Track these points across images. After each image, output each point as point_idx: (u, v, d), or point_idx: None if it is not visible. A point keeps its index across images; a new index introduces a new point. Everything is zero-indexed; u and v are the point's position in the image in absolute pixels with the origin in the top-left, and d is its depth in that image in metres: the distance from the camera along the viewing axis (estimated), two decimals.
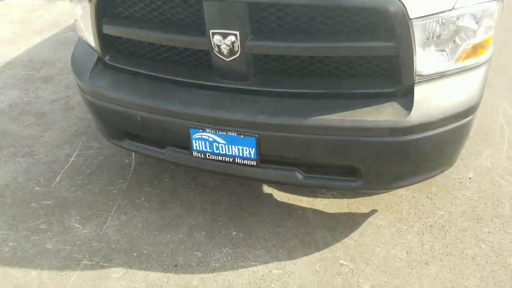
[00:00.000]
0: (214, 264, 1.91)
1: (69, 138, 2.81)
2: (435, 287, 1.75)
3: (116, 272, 1.90)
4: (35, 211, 2.25)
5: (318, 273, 1.84)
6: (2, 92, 3.42)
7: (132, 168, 2.51)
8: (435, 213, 2.09)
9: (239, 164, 1.78)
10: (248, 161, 1.76)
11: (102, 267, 1.93)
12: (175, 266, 1.92)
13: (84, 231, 2.12)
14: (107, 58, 1.95)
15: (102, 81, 1.94)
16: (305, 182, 1.79)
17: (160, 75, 1.83)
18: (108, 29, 1.85)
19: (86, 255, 1.99)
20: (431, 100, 1.57)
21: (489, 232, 1.98)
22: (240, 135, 1.69)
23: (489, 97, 2.94)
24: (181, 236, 2.06)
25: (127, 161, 2.57)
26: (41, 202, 2.31)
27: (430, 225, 2.03)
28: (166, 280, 1.86)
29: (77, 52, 2.15)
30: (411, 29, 1.44)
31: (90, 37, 1.94)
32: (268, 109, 1.65)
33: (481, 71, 1.67)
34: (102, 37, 1.88)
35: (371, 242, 1.97)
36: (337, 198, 2.21)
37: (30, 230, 2.14)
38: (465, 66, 1.62)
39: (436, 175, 1.85)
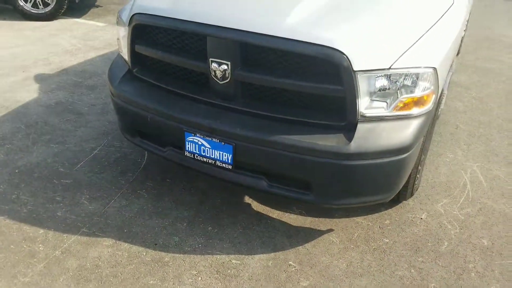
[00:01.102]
0: (186, 248, 2.32)
1: (97, 135, 3.34)
2: None
3: (106, 241, 2.34)
4: (55, 186, 2.74)
5: (268, 268, 2.21)
6: (53, 92, 4.04)
7: (142, 166, 2.99)
8: (382, 240, 2.44)
9: (219, 167, 2.23)
10: (226, 165, 2.20)
11: (96, 235, 2.37)
12: (155, 244, 2.34)
13: (89, 207, 2.59)
14: (135, 70, 2.49)
15: (127, 87, 2.46)
16: (269, 190, 2.20)
17: (170, 88, 2.33)
18: (138, 48, 2.39)
19: (86, 225, 2.45)
20: (369, 136, 1.98)
21: (422, 261, 2.30)
22: (222, 142, 2.14)
23: (462, 158, 3.28)
24: (166, 223, 2.49)
25: (139, 160, 3.05)
26: (62, 180, 2.81)
27: (374, 248, 2.37)
28: (144, 254, 2.28)
29: (114, 64, 2.70)
30: (354, 79, 1.88)
31: (125, 53, 2.50)
32: (245, 124, 2.10)
33: (417, 121, 2.06)
34: (133, 54, 2.43)
35: (319, 253, 2.33)
36: (303, 215, 2.59)
37: (47, 199, 2.62)
38: (402, 115, 2.02)
39: (379, 201, 2.22)
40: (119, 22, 2.52)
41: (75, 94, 4.00)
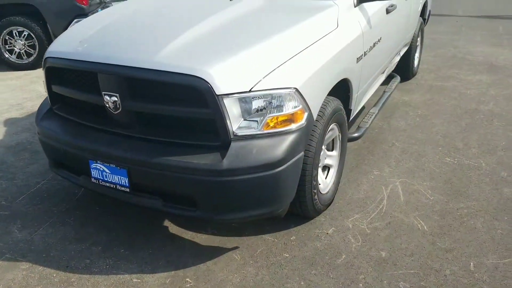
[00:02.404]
0: (94, 269, 2.49)
1: (45, 171, 3.58)
2: None
3: (24, 265, 2.53)
4: None
5: (165, 285, 2.37)
6: (18, 134, 4.34)
7: (77, 197, 3.20)
8: (282, 255, 2.57)
9: (120, 190, 2.43)
10: (124, 188, 2.41)
11: (16, 260, 2.57)
12: (66, 266, 2.52)
13: (18, 235, 2.80)
14: (54, 107, 2.74)
15: (47, 123, 2.71)
16: (164, 209, 2.38)
17: (80, 121, 2.57)
18: (54, 88, 2.66)
19: (10, 251, 2.65)
20: (241, 153, 2.16)
21: (314, 274, 2.42)
22: (118, 167, 2.35)
23: (387, 174, 3.41)
24: (83, 247, 2.67)
25: (76, 191, 3.27)
26: (0, 213, 3.03)
27: (272, 263, 2.50)
28: (54, 275, 2.46)
29: (43, 103, 2.96)
30: (219, 102, 2.09)
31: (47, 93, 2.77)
32: (137, 149, 2.31)
33: (289, 137, 2.23)
34: (50, 93, 2.69)
35: (218, 269, 2.47)
36: (214, 235, 2.75)
37: None
38: (272, 132, 2.21)
39: (268, 214, 2.38)
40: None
41: (36, 136, 4.28)
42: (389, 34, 3.74)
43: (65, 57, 2.46)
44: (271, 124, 2.20)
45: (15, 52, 6.58)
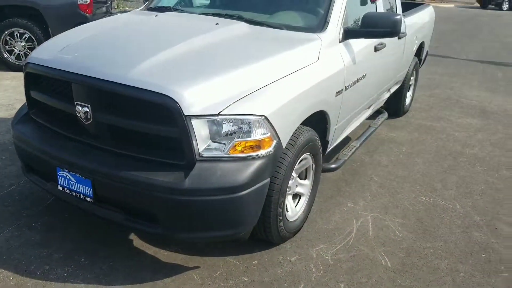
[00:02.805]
0: (52, 276, 2.49)
1: (21, 174, 3.58)
2: None
3: None
4: None
5: None
6: (2, 134, 4.38)
7: (48, 202, 3.21)
8: (241, 278, 2.56)
9: (83, 200, 2.45)
10: (88, 198, 2.42)
11: None
12: (25, 271, 2.52)
13: None
14: (31, 112, 2.79)
15: (22, 127, 2.75)
16: (125, 223, 2.39)
17: (54, 128, 2.61)
18: (33, 93, 2.71)
19: None
20: (204, 175, 2.18)
21: None
22: (83, 176, 2.38)
23: (360, 208, 3.42)
24: (44, 253, 2.67)
25: (48, 197, 3.28)
26: None
27: (230, 286, 2.50)
28: (11, 278, 2.45)
29: (22, 107, 3.00)
30: (186, 122, 2.12)
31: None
32: (103, 161, 2.34)
33: (255, 163, 2.26)
34: (28, 98, 2.74)
35: (175, 287, 2.46)
36: (178, 252, 2.75)
37: None
38: (238, 157, 2.24)
39: (230, 237, 2.41)
40: None
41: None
42: (376, 71, 3.80)
43: (43, 64, 2.52)
44: (238, 149, 2.23)
45: (15, 53, 6.69)
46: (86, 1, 6.44)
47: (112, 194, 2.36)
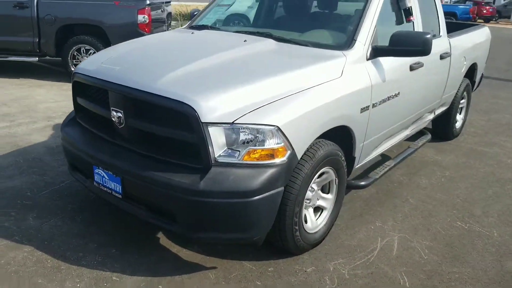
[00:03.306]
0: (83, 262, 2.74)
1: None
2: None
3: (26, 248, 2.85)
4: (16, 205, 3.35)
5: (138, 287, 2.56)
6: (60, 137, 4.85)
7: (91, 199, 3.53)
8: (254, 282, 2.66)
9: (114, 196, 2.69)
10: (118, 195, 2.67)
11: (22, 243, 2.90)
12: (61, 256, 2.80)
13: (31, 222, 3.14)
14: (77, 116, 3.12)
15: (69, 129, 3.09)
16: (148, 219, 2.60)
17: (94, 131, 2.91)
18: (78, 100, 3.04)
19: (20, 234, 2.99)
20: (218, 178, 2.33)
21: None
22: (114, 174, 2.63)
23: (389, 228, 3.38)
24: (81, 242, 2.95)
25: (91, 195, 3.59)
26: (23, 201, 3.42)
27: (243, 286, 2.61)
28: (48, 261, 2.74)
29: (70, 113, 3.35)
30: (203, 128, 2.30)
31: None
32: (132, 161, 2.57)
33: (268, 171, 2.38)
34: (75, 103, 3.08)
35: (190, 283, 2.61)
36: (199, 253, 2.91)
37: (3, 213, 3.23)
38: (252, 164, 2.37)
39: (243, 240, 2.54)
40: None
41: None
42: (412, 91, 3.78)
43: (87, 74, 2.84)
44: (252, 156, 2.37)
45: None
46: (145, 21, 6.97)
47: (138, 192, 2.58)
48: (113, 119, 2.65)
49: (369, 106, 3.09)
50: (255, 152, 2.37)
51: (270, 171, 2.39)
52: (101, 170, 2.69)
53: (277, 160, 2.41)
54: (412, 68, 3.63)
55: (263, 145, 2.37)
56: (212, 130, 2.31)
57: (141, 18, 7.01)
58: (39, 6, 7.01)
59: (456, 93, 5.16)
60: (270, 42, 3.12)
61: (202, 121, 2.29)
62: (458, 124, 5.64)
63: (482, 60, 5.85)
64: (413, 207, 3.75)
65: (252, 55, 2.89)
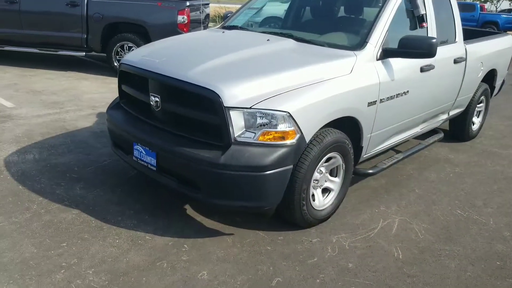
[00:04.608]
0: (122, 224, 3.24)
1: (113, 154, 4.51)
2: None
3: (75, 211, 3.37)
4: (66, 177, 3.91)
5: (167, 245, 3.02)
6: (104, 124, 5.35)
7: (129, 176, 4.05)
8: (265, 246, 3.08)
9: (150, 169, 3.18)
10: (153, 167, 3.15)
11: (71, 207, 3.43)
12: (103, 218, 3.31)
13: (79, 191, 3.68)
14: (121, 101, 3.64)
15: (113, 112, 3.61)
16: (177, 189, 3.07)
17: (134, 113, 3.42)
18: (123, 87, 3.56)
19: (69, 200, 3.53)
20: (236, 155, 2.77)
21: (285, 265, 2.89)
22: (150, 150, 3.12)
23: (391, 211, 3.73)
24: (120, 209, 3.45)
25: (131, 172, 4.12)
26: (72, 175, 3.97)
27: (254, 250, 3.03)
28: (93, 221, 3.25)
29: (115, 99, 3.89)
30: (225, 112, 2.75)
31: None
32: (165, 139, 3.05)
33: (278, 150, 2.80)
34: (120, 90, 3.60)
35: (210, 244, 3.06)
36: (219, 222, 3.36)
37: (55, 182, 3.78)
38: (265, 144, 2.79)
39: (253, 208, 3.00)
40: None
41: None
42: (422, 91, 4.08)
43: (131, 64, 3.35)
44: (266, 137, 2.80)
45: None
46: (184, 21, 7.52)
47: (169, 165, 3.05)
48: (151, 103, 3.14)
49: (376, 101, 3.46)
50: (269, 133, 2.80)
51: (281, 151, 2.81)
52: (140, 146, 3.19)
53: (288, 142, 2.83)
54: (422, 70, 3.95)
55: (276, 128, 2.80)
56: (233, 113, 2.76)
57: (180, 18, 7.56)
58: (89, 5, 7.68)
59: (473, 97, 5.39)
60: (290, 41, 3.55)
61: (225, 105, 2.74)
62: (475, 127, 5.85)
63: (503, 67, 6.02)
64: (418, 196, 4.07)
65: (272, 52, 3.33)
